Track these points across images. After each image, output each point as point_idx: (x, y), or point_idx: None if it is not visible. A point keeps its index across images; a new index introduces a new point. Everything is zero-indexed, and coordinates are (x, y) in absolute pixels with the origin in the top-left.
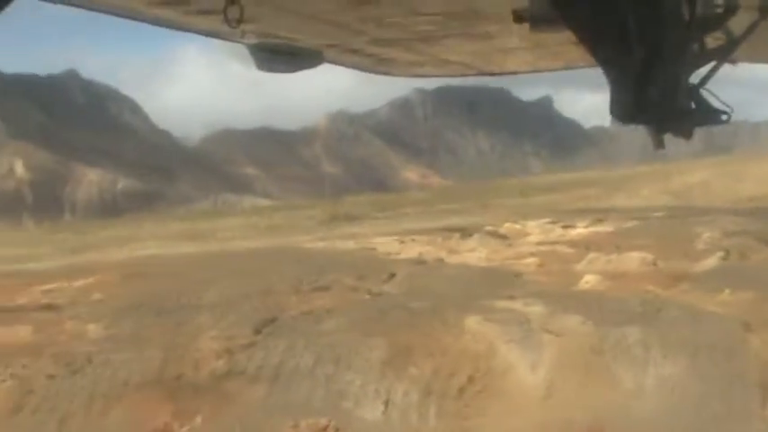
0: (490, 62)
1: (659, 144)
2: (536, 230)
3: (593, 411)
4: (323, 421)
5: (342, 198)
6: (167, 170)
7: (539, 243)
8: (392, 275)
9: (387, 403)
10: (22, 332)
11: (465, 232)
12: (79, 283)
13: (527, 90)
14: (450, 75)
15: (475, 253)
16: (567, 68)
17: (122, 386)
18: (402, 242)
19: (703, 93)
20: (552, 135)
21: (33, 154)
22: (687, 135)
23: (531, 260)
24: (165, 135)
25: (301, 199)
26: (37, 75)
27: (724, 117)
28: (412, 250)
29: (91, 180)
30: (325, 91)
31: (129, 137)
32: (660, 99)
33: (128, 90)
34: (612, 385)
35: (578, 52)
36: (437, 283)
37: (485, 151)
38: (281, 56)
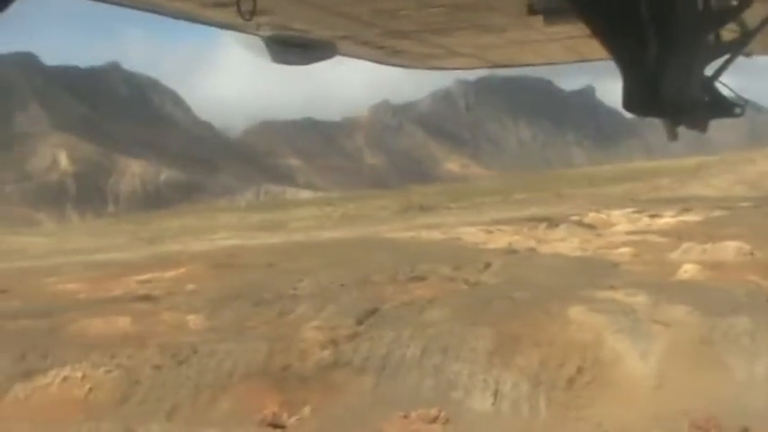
0: (504, 55)
1: (673, 136)
2: (622, 220)
3: (706, 402)
4: (433, 411)
5: (410, 188)
6: (209, 161)
7: (629, 233)
8: (487, 265)
9: (496, 394)
10: (120, 323)
11: (551, 222)
12: (170, 273)
13: (569, 80)
14: (464, 67)
15: (566, 243)
16: (581, 61)
17: (228, 377)
18: (489, 232)
19: (718, 85)
20: (594, 125)
21: (77, 146)
22: (702, 127)
23: (624, 250)
24: (207, 126)
25: (342, 190)
26: (79, 67)
27: (738, 110)
28: (500, 240)
29: (134, 172)
30: (368, 82)
31: (171, 129)
32: (674, 91)
33: (170, 82)
34: (724, 376)
35: (593, 45)
36: (534, 272)
37: (526, 141)
38: (294, 48)
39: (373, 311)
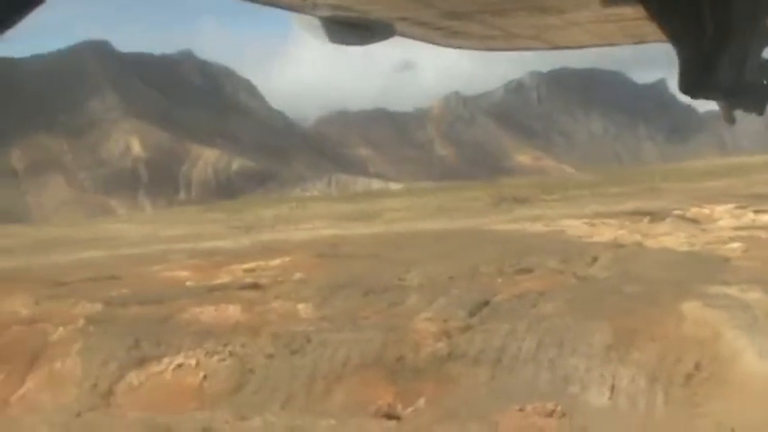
0: (561, 36)
1: (730, 119)
2: (725, 215)
3: None
4: (549, 405)
5: (498, 180)
6: (282, 151)
7: (736, 228)
8: (595, 259)
9: (613, 389)
10: (231, 311)
11: (654, 216)
12: (276, 262)
13: (641, 73)
14: (521, 48)
15: (672, 237)
16: (638, 43)
17: (342, 367)
18: (592, 225)
19: None
20: (666, 119)
21: (150, 133)
22: (760, 111)
23: (735, 245)
24: (279, 116)
25: (413, 180)
26: (153, 54)
27: None
28: (605, 233)
29: (206, 160)
30: (440, 73)
31: (244, 117)
32: (731, 74)
33: (243, 70)
34: None
35: (650, 27)
36: (643, 267)
37: (598, 134)
38: (352, 28)
39: (485, 303)
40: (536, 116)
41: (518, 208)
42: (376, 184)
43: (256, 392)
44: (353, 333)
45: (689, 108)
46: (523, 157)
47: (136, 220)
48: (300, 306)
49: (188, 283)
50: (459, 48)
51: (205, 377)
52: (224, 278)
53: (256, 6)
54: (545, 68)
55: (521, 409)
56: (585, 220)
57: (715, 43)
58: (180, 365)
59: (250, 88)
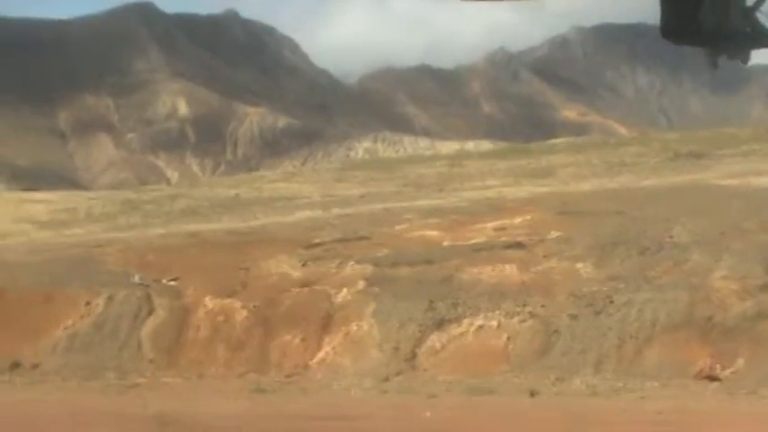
0: None
1: (713, 66)
2: None
3: None
4: None
5: (648, 135)
6: (327, 108)
7: None
8: None
9: None
10: (508, 270)
11: None
12: (518, 220)
13: None
14: None
15: None
16: None
17: (651, 327)
18: None
19: (759, 15)
20: (712, 72)
21: (196, 93)
22: (744, 58)
23: None
24: (324, 74)
25: (460, 137)
26: (198, 14)
27: None
28: None
29: (252, 118)
30: (485, 29)
31: (288, 76)
32: (713, 20)
33: (287, 29)
34: None
35: None
36: None
37: (643, 89)
38: None
39: None
40: (581, 71)
41: (708, 163)
42: (423, 142)
43: (565, 354)
44: (654, 293)
45: (735, 61)
46: (569, 113)
47: (285, 178)
48: (579, 265)
49: (445, 243)
50: None
51: (509, 339)
52: (478, 237)
53: None
54: (590, 23)
55: None
56: None
57: None
58: (481, 327)
59: (294, 47)
